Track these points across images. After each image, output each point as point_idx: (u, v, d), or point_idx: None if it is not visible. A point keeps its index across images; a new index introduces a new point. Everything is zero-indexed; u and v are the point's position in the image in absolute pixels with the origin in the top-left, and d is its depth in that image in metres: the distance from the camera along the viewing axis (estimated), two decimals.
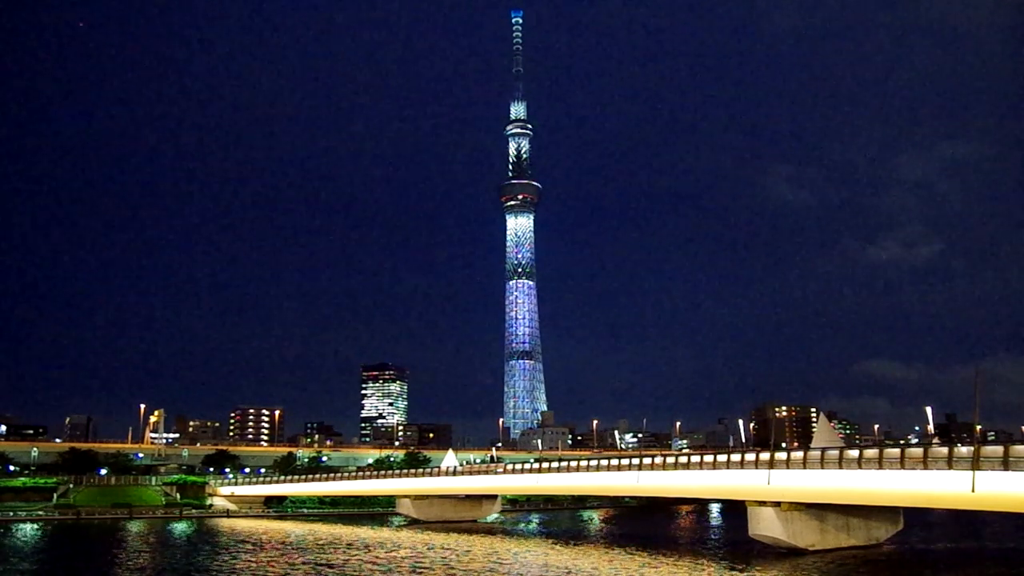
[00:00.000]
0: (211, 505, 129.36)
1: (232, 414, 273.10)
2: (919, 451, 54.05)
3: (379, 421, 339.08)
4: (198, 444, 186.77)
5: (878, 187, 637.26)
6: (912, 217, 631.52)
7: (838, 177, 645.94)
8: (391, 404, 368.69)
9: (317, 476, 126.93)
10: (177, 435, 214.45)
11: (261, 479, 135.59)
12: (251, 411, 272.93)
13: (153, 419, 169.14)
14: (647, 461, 75.30)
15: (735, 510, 79.45)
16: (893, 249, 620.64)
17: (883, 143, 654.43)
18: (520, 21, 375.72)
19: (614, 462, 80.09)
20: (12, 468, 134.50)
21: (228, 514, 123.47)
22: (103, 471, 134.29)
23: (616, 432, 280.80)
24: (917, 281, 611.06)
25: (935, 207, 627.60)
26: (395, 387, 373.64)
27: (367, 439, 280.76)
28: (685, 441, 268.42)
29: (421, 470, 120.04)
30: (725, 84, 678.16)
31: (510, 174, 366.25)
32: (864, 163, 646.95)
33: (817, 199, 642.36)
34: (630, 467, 76.33)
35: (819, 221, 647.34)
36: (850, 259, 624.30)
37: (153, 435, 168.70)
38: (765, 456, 63.90)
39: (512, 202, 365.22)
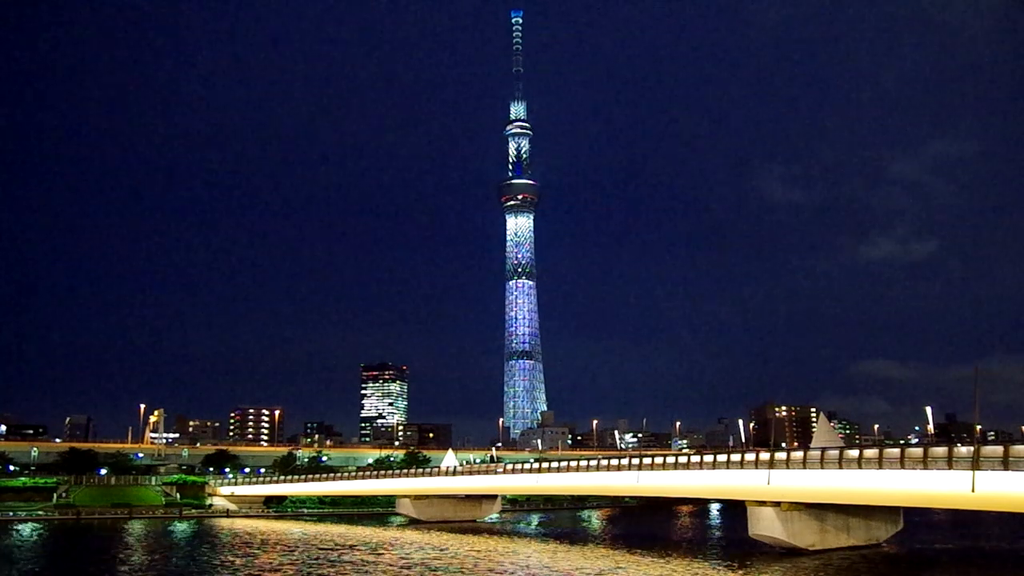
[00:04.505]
0: (211, 505, 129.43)
1: (232, 414, 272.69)
2: (919, 451, 54.03)
3: (379, 421, 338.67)
4: (198, 444, 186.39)
5: (870, 185, 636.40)
6: (905, 215, 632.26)
7: (831, 176, 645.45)
8: (391, 404, 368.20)
9: (317, 476, 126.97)
10: (177, 435, 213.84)
11: (261, 479, 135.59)
12: (251, 411, 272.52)
13: (153, 419, 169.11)
14: (647, 461, 75.26)
15: (735, 510, 79.48)
16: (887, 247, 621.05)
17: (875, 141, 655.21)
18: (520, 21, 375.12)
19: (614, 462, 79.97)
20: (12, 468, 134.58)
21: (228, 514, 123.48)
22: (103, 471, 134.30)
23: (616, 432, 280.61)
24: (913, 279, 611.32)
25: (928, 205, 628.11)
26: (395, 387, 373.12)
27: (367, 439, 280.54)
28: (685, 441, 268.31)
29: (421, 470, 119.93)
30: (721, 83, 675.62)
31: (510, 174, 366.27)
32: (856, 161, 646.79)
33: (810, 198, 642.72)
34: (630, 467, 76.27)
35: (813, 220, 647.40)
36: (845, 258, 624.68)
37: (153, 435, 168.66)
38: (765, 456, 63.91)
39: (512, 202, 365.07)
